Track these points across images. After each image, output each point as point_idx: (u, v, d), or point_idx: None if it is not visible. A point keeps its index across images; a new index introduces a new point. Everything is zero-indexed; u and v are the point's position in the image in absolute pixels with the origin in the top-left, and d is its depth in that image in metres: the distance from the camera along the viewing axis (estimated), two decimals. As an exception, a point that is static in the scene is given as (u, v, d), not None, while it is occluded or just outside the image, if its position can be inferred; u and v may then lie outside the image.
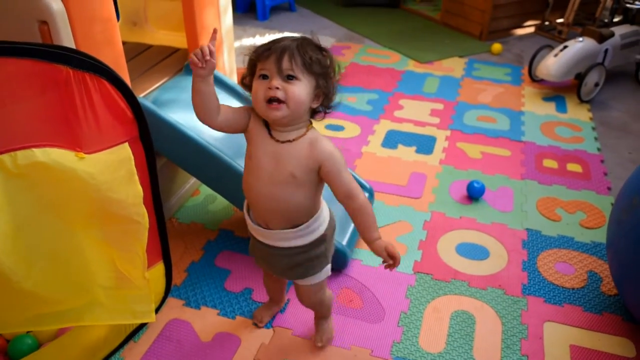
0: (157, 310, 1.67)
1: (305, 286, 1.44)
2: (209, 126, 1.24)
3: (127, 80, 1.66)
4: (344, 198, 1.25)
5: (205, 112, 1.21)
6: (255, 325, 1.66)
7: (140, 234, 1.34)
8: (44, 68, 1.12)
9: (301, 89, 1.16)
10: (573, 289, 1.82)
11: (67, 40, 1.45)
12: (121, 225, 1.32)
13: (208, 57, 1.12)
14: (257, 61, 1.18)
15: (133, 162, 1.30)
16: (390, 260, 1.25)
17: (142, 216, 1.33)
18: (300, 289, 1.47)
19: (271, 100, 1.15)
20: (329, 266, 1.43)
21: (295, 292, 1.52)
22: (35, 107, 1.13)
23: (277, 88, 1.14)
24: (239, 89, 2.15)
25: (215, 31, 1.15)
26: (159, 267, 1.58)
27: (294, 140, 1.22)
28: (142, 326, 1.62)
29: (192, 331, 1.65)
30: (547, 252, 1.97)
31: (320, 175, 1.24)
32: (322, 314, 1.58)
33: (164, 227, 1.53)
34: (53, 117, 1.16)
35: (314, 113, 1.25)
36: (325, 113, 1.27)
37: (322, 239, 1.36)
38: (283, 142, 1.22)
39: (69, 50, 1.18)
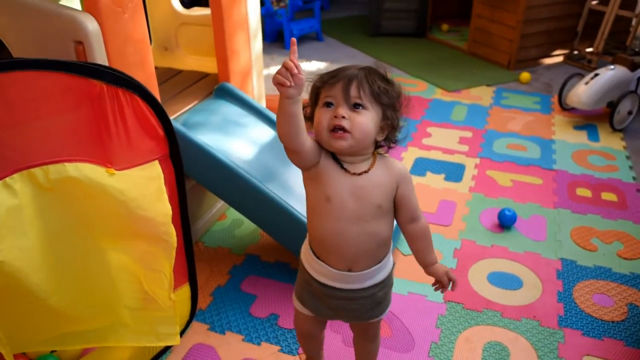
0: (181, 334, 1.64)
1: (377, 321, 1.35)
2: (295, 149, 1.09)
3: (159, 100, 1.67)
4: (409, 221, 1.20)
5: (294, 134, 1.06)
6: None
7: (168, 254, 1.32)
8: (79, 83, 1.12)
9: (368, 119, 1.09)
10: (613, 322, 1.73)
11: (101, 59, 1.47)
12: (149, 243, 1.30)
13: (296, 72, 0.98)
14: (322, 88, 1.11)
15: (163, 181, 1.30)
16: (449, 284, 1.23)
17: (171, 235, 1.31)
18: (371, 326, 1.36)
19: (335, 129, 1.08)
20: None
21: (357, 334, 1.43)
22: (69, 122, 1.13)
23: (343, 117, 1.07)
24: (269, 113, 2.15)
25: (293, 42, 1.02)
26: (185, 290, 1.55)
27: (369, 170, 1.14)
28: (166, 349, 1.59)
29: (216, 356, 1.61)
30: (584, 282, 1.90)
31: (394, 199, 1.18)
32: (376, 353, 1.47)
33: (191, 248, 1.51)
34: (86, 132, 1.16)
35: (376, 146, 1.17)
36: (389, 147, 1.18)
37: (392, 269, 1.29)
38: (360, 174, 1.14)
39: (103, 66, 1.19)
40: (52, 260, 1.18)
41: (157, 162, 1.29)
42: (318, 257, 1.22)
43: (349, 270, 1.20)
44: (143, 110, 1.23)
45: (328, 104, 1.10)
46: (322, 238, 1.19)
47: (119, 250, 1.29)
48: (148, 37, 1.65)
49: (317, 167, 1.14)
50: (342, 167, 1.14)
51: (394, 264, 1.30)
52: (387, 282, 1.27)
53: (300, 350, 1.62)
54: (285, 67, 0.98)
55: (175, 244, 1.32)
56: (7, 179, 1.09)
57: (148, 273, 1.34)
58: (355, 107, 1.09)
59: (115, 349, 1.46)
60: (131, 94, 1.19)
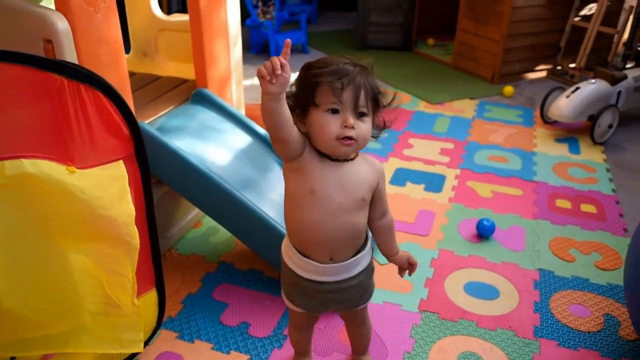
0: (148, 342, 1.60)
1: (364, 307, 1.41)
2: (281, 139, 1.08)
3: (130, 103, 1.64)
4: (380, 216, 1.27)
5: (279, 125, 1.05)
6: None
7: (130, 256, 1.29)
8: (38, 76, 1.10)
9: (369, 126, 1.13)
10: (589, 332, 1.71)
11: (71, 59, 1.44)
12: (111, 245, 1.26)
13: (279, 71, 0.97)
14: (319, 87, 1.08)
15: (127, 181, 1.26)
16: (409, 267, 1.33)
17: (133, 236, 1.27)
18: (359, 313, 1.41)
19: (345, 138, 1.09)
20: None
21: (348, 322, 1.48)
22: (27, 116, 1.10)
23: (353, 128, 1.09)
24: (247, 120, 2.13)
25: (287, 44, 1.00)
26: (152, 295, 1.52)
27: (354, 158, 1.18)
28: (131, 357, 1.54)
29: (183, 365, 1.56)
30: (561, 293, 1.88)
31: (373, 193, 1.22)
32: (367, 343, 1.53)
33: (158, 252, 1.48)
34: (45, 128, 1.13)
35: None
36: (377, 137, 1.22)
37: (372, 254, 1.33)
38: (344, 161, 1.16)
39: (63, 61, 1.16)
40: (8, 260, 1.14)
41: (121, 161, 1.26)
42: (300, 252, 1.23)
43: (331, 260, 1.22)
44: (107, 107, 1.20)
45: (334, 110, 1.09)
46: (301, 230, 1.20)
47: (80, 252, 1.25)
48: (121, 39, 1.63)
49: (302, 158, 1.14)
50: (325, 155, 1.15)
51: (373, 249, 1.33)
52: (369, 268, 1.31)
53: None
54: (271, 62, 0.97)
55: (137, 246, 1.28)
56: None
57: (110, 276, 1.30)
58: (361, 115, 1.11)
59: (76, 356, 1.41)
60: (94, 90, 1.16)
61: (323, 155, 1.15)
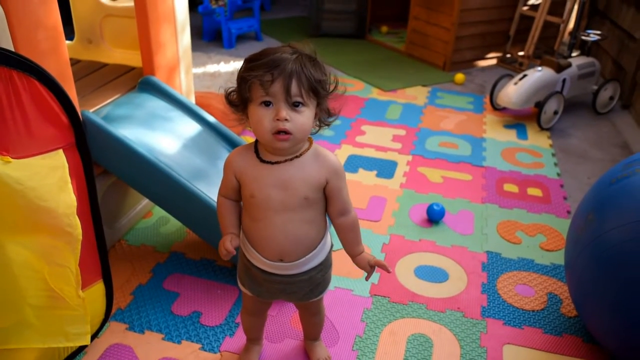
0: (96, 334, 1.57)
1: (318, 300, 1.40)
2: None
3: (73, 91, 1.59)
4: (339, 214, 1.23)
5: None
6: None
7: (72, 247, 1.25)
8: (-36, 62, 1.05)
9: (308, 117, 1.09)
10: (533, 311, 1.77)
11: (6, 45, 1.37)
12: (52, 236, 1.22)
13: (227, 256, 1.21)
14: (253, 80, 1.06)
15: (67, 171, 1.23)
16: (372, 272, 1.28)
17: (75, 227, 1.24)
18: (312, 304, 1.40)
19: (279, 132, 1.07)
20: None
21: (302, 311, 1.48)
22: (-46, 105, 1.06)
23: (287, 119, 1.06)
24: (198, 110, 2.10)
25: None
26: (98, 287, 1.49)
27: (293, 159, 1.15)
28: (79, 350, 1.51)
29: (133, 356, 1.54)
30: (507, 274, 1.94)
31: (324, 191, 1.19)
32: (319, 330, 1.53)
33: (103, 243, 1.45)
34: (-25, 117, 1.08)
35: None
36: (320, 127, 1.19)
37: (330, 251, 1.32)
38: (282, 162, 1.15)
39: (-5, 46, 1.11)
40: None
41: (60, 151, 1.22)
42: (252, 246, 1.24)
43: (281, 261, 1.22)
44: (43, 95, 1.16)
45: (266, 103, 1.07)
46: (251, 227, 1.22)
47: (19, 244, 1.21)
48: (61, 24, 1.57)
49: (240, 180, 1.20)
50: (262, 160, 1.15)
51: (332, 246, 1.32)
52: (325, 264, 1.31)
53: (222, 348, 1.58)
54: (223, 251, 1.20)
55: (80, 237, 1.25)
56: None
57: (52, 268, 1.27)
58: (295, 105, 1.07)
59: (19, 351, 1.36)
60: (28, 77, 1.12)
61: (263, 161, 1.16)
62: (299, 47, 1.12)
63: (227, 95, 1.15)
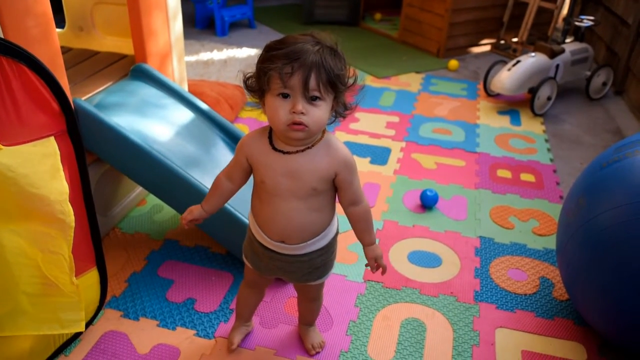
0: (91, 321, 1.58)
1: (319, 285, 1.42)
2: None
3: (64, 79, 1.58)
4: (349, 204, 1.24)
5: (230, 197, 1.30)
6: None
7: (65, 234, 1.25)
8: (-47, 49, 1.04)
9: (324, 111, 1.08)
10: (525, 295, 1.79)
11: (-5, 33, 1.38)
12: (44, 224, 1.22)
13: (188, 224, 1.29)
14: (272, 70, 1.05)
15: (59, 158, 1.22)
16: (375, 270, 1.30)
17: (67, 214, 1.24)
18: (312, 288, 1.42)
19: (294, 123, 1.07)
20: None
21: (301, 295, 1.49)
22: (-56, 92, 1.05)
23: (303, 113, 1.05)
24: (191, 97, 2.09)
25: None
26: (93, 274, 1.49)
27: (305, 150, 1.14)
28: (74, 337, 1.52)
29: (128, 343, 1.55)
30: (500, 259, 1.95)
31: (334, 182, 1.20)
32: (315, 316, 1.54)
33: (97, 230, 1.45)
34: (-35, 104, 1.08)
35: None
36: (336, 118, 1.18)
37: (335, 237, 1.32)
38: (294, 152, 1.15)
39: (-16, 33, 1.11)
40: None
41: (52, 138, 1.22)
42: (257, 224, 1.27)
43: (282, 242, 1.25)
44: (33, 82, 1.15)
45: (284, 95, 1.06)
46: (259, 208, 1.25)
47: (12, 232, 1.21)
48: (51, 11, 1.56)
49: (251, 165, 1.21)
50: (274, 148, 1.16)
51: (337, 232, 1.33)
52: (327, 249, 1.31)
53: (217, 334, 1.59)
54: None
55: (72, 224, 1.25)
56: None
57: (46, 256, 1.27)
58: (312, 99, 1.06)
59: (14, 339, 1.37)
60: (18, 64, 1.12)
61: (275, 149, 1.16)
62: (321, 37, 1.10)
63: (245, 81, 1.15)
